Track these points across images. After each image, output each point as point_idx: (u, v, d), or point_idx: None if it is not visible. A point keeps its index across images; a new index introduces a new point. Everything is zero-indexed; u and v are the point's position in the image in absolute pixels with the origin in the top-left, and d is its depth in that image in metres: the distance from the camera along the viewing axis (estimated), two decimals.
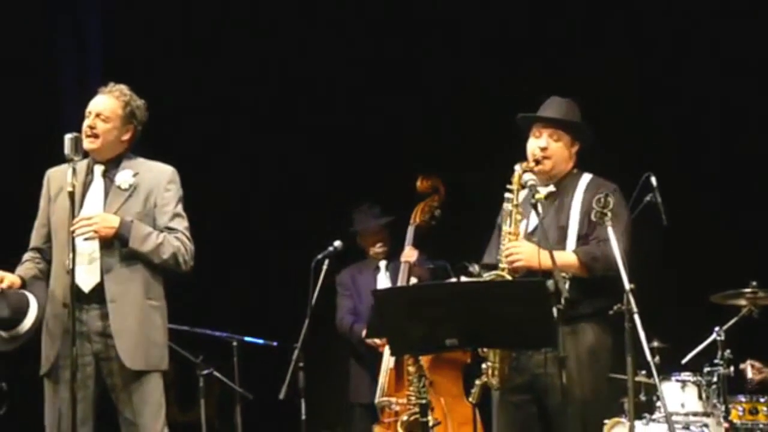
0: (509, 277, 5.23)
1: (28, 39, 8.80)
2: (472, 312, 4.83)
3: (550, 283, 4.79)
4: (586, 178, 5.49)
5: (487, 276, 5.30)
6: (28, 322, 5.31)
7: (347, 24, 8.90)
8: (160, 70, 8.69)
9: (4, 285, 5.29)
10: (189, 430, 7.48)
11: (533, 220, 5.37)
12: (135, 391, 5.34)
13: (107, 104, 5.51)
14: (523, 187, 5.35)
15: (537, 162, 5.42)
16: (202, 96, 8.92)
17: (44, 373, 5.37)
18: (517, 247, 5.27)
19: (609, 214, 5.17)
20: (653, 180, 6.02)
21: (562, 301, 4.81)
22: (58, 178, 5.48)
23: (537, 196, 5.19)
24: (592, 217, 5.24)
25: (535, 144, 5.47)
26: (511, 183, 5.38)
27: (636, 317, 5.01)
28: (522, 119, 5.56)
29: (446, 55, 8.61)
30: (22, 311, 5.31)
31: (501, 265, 5.29)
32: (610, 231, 5.14)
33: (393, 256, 7.39)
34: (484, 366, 5.24)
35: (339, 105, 8.87)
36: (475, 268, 5.46)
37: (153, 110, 5.65)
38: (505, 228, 5.36)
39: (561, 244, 5.31)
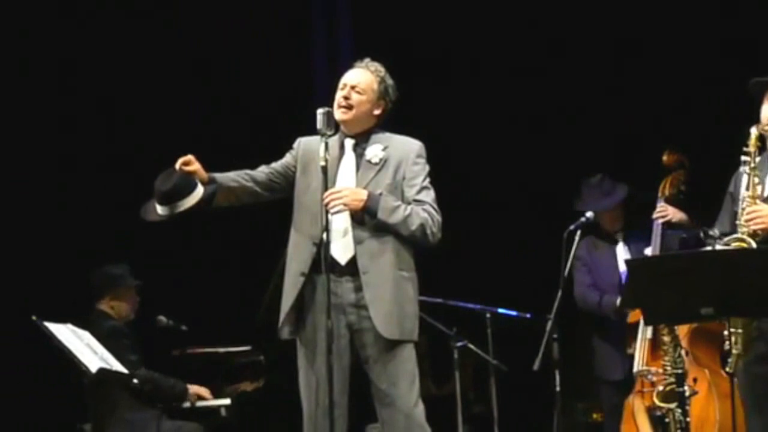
0: (752, 242, 5.15)
1: (282, 18, 9.01)
2: (728, 280, 4.75)
3: None
4: None
5: (726, 241, 5.20)
6: (182, 205, 5.39)
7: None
8: (407, 47, 8.75)
9: (186, 168, 5.39)
10: (443, 403, 7.52)
11: None
12: (390, 362, 5.39)
13: (363, 77, 5.59)
14: (761, 149, 5.30)
15: None
16: (447, 70, 8.94)
17: (279, 333, 5.50)
18: (757, 211, 5.22)
19: None
20: None
21: None
22: (308, 150, 5.57)
23: None
24: None
25: None
26: (747, 146, 5.32)
27: None
28: (755, 84, 5.49)
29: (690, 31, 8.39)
30: (182, 194, 5.38)
31: (741, 230, 5.22)
32: None
33: (629, 228, 7.20)
34: (725, 333, 5.13)
35: (586, 80, 8.74)
36: (715, 231, 5.39)
37: (400, 85, 5.70)
38: (745, 192, 5.29)
39: None
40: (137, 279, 7.34)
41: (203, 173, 5.45)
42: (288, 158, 5.68)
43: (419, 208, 5.41)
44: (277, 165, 5.67)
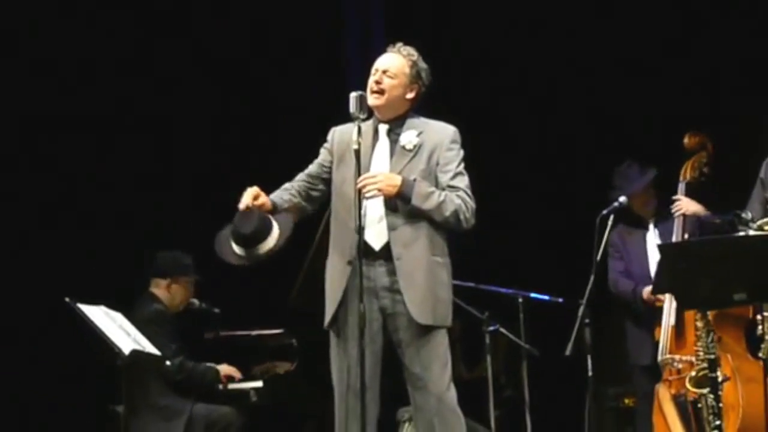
0: None
1: (314, 5, 9.02)
2: (761, 266, 4.72)
3: None
4: None
5: (759, 224, 5.18)
6: (264, 246, 5.41)
7: None
8: (441, 32, 8.74)
9: (257, 202, 5.39)
10: (475, 387, 7.54)
11: None
12: (423, 346, 5.40)
13: (394, 62, 5.57)
14: None
15: None
16: (481, 54, 8.93)
17: (327, 326, 5.49)
18: None
19: None
20: None
21: None
22: (343, 138, 5.57)
23: None
24: None
25: None
26: None
27: None
28: None
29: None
30: (262, 235, 5.40)
31: None
32: None
33: (661, 212, 7.17)
34: (758, 318, 5.13)
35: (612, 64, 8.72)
36: (747, 214, 5.35)
37: (434, 70, 5.70)
38: None
39: None
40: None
41: (268, 203, 5.47)
42: (323, 155, 5.67)
43: (453, 194, 5.41)
44: (312, 169, 5.67)
